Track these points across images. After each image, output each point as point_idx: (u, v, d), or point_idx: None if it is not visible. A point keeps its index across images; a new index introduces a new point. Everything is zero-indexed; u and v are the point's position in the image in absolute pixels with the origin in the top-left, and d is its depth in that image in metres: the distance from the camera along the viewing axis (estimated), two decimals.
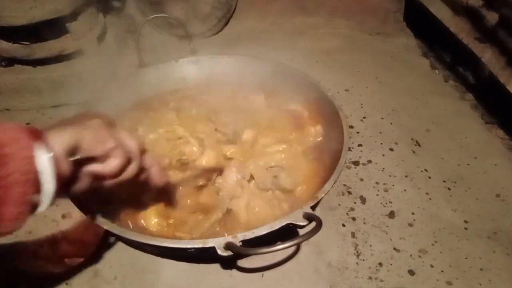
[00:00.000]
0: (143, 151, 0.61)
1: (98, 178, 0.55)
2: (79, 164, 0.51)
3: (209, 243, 0.60)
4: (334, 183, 0.72)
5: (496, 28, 1.22)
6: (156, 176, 0.65)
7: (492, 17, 1.24)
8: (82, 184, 0.53)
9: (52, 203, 0.47)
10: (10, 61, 1.24)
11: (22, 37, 1.18)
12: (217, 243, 0.60)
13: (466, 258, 0.85)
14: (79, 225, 0.90)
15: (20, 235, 0.87)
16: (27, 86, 1.23)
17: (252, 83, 1.08)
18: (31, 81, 1.23)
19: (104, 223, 0.67)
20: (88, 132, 0.51)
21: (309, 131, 0.95)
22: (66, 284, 0.78)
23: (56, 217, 0.91)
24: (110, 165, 0.54)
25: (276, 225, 0.63)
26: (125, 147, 0.56)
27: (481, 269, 0.82)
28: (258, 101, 1.03)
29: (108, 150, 0.53)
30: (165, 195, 0.80)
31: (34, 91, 1.24)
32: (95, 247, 0.84)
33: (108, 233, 0.84)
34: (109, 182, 0.56)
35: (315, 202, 0.67)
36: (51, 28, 1.17)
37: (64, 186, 0.49)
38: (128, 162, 0.57)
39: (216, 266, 0.81)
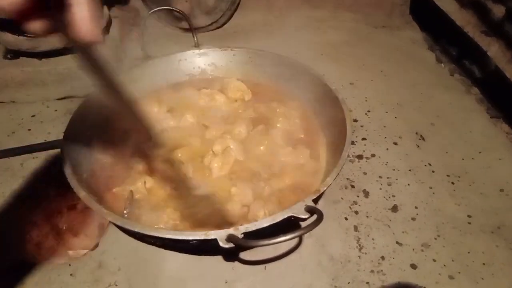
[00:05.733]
0: None
1: None
2: None
3: (211, 235, 0.61)
4: (336, 176, 0.72)
5: (503, 22, 1.21)
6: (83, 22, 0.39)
7: (498, 10, 1.23)
8: None
9: None
10: (15, 54, 1.25)
11: None
12: (219, 235, 0.60)
13: (469, 253, 0.85)
14: (84, 216, 0.90)
15: (25, 227, 0.88)
16: (32, 79, 1.24)
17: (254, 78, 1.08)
18: (36, 74, 1.23)
19: (107, 215, 0.67)
20: None
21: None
22: (71, 275, 0.79)
23: (61, 209, 0.92)
24: None
25: (278, 218, 0.63)
26: None
27: (483, 264, 0.82)
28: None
29: None
30: None
31: (39, 83, 1.24)
32: (99, 239, 0.85)
33: (112, 225, 0.85)
34: None
35: (317, 195, 0.67)
36: None
37: None
38: None
39: (219, 258, 0.82)
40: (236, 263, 0.81)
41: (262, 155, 0.90)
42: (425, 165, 1.04)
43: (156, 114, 1.00)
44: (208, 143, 0.92)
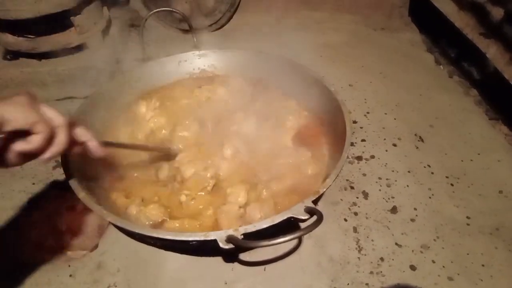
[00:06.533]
0: (72, 125, 0.61)
1: (27, 155, 0.55)
2: (5, 143, 0.53)
3: (211, 236, 0.61)
4: (336, 177, 0.72)
5: (502, 24, 1.21)
6: (93, 149, 0.66)
7: (497, 13, 1.23)
8: (13, 162, 0.55)
9: None
10: (15, 55, 1.25)
11: (27, 31, 1.19)
12: (219, 236, 0.61)
13: (468, 254, 0.85)
14: (83, 217, 0.90)
15: (25, 227, 0.88)
16: (32, 80, 1.24)
17: (254, 79, 1.08)
18: (36, 75, 1.23)
19: (107, 216, 0.67)
20: (10, 106, 0.53)
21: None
22: (70, 276, 0.79)
23: (60, 210, 0.92)
24: (34, 141, 0.54)
25: (278, 219, 0.63)
26: (49, 121, 0.56)
27: (482, 265, 0.83)
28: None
29: (31, 124, 0.53)
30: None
31: (39, 84, 1.24)
32: (99, 240, 0.85)
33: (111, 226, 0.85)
34: (43, 157, 0.57)
35: (317, 196, 0.67)
36: (56, 21, 1.18)
37: None
38: (53, 136, 0.56)
39: (219, 259, 0.82)
40: (236, 264, 0.81)
41: (263, 156, 0.90)
42: (424, 167, 1.05)
43: (157, 114, 1.01)
44: (209, 142, 0.93)
